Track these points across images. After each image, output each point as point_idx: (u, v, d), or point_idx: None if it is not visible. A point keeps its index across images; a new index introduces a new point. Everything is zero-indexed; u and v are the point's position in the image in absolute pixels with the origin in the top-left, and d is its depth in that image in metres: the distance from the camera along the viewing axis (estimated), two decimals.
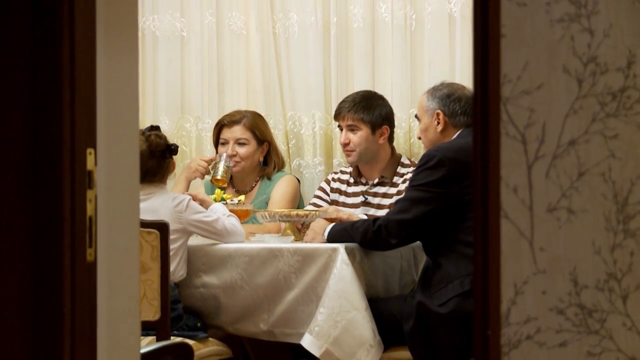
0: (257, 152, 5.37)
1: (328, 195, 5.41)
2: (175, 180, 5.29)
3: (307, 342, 4.51)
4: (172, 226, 4.46)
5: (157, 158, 4.57)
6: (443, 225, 4.49)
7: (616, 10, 2.16)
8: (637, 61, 2.16)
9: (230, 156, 5.28)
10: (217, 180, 5.18)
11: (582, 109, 2.16)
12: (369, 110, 5.17)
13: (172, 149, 4.61)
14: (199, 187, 5.31)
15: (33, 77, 2.18)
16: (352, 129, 5.18)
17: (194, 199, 4.73)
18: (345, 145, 5.20)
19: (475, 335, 2.20)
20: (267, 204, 5.33)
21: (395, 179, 5.27)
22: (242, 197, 5.16)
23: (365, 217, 4.89)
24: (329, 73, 5.70)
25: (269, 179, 5.43)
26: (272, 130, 5.54)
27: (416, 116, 4.85)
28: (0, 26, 2.19)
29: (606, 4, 2.16)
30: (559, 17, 2.16)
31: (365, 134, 5.18)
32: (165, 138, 4.62)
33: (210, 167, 5.21)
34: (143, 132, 4.58)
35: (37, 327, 2.19)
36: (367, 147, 5.19)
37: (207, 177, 5.38)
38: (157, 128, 4.68)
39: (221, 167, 5.20)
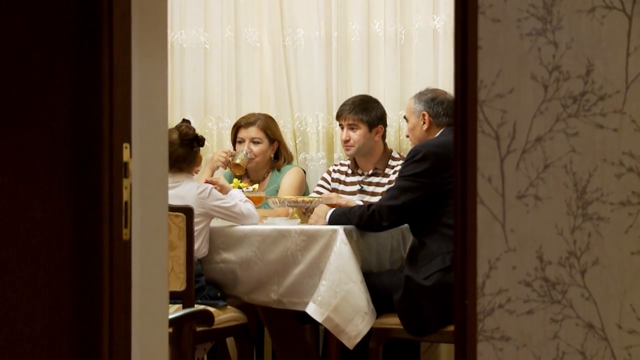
0: (268, 150, 5.38)
1: (329, 184, 5.40)
2: (201, 170, 5.29)
3: (311, 309, 4.51)
4: (197, 210, 4.46)
5: (186, 146, 4.56)
6: (427, 210, 4.48)
7: (577, 26, 2.15)
8: (595, 69, 2.15)
9: (247, 152, 5.31)
10: (237, 164, 5.20)
11: (548, 111, 2.16)
12: (366, 111, 5.17)
13: (200, 139, 4.61)
14: (219, 176, 5.31)
15: (77, 82, 2.17)
16: (352, 127, 5.17)
17: (215, 183, 4.74)
18: (346, 141, 5.20)
19: (455, 304, 2.19)
20: (277, 191, 5.33)
21: (387, 170, 5.27)
22: (256, 186, 5.17)
23: (361, 203, 4.88)
24: (331, 80, 5.69)
25: (279, 170, 5.43)
26: (281, 129, 5.53)
27: (405, 117, 4.85)
28: (47, 38, 2.19)
29: (568, 20, 2.15)
30: (528, 31, 2.15)
31: (364, 132, 5.17)
32: (194, 130, 4.63)
33: (230, 156, 5.23)
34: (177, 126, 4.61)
35: (80, 296, 2.19)
36: (365, 143, 5.19)
37: (226, 171, 5.39)
38: (187, 121, 4.69)
39: (240, 155, 5.22)
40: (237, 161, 5.21)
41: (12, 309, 2.16)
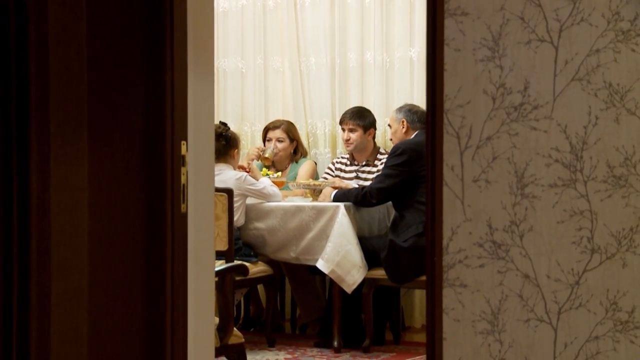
0: (289, 147, 5.38)
1: (333, 172, 5.40)
2: (241, 161, 5.31)
3: (320, 264, 4.52)
4: (235, 191, 4.47)
5: (224, 141, 4.61)
6: (406, 191, 4.49)
7: (518, 54, 2.13)
8: (530, 86, 2.13)
9: (274, 149, 5.33)
10: (266, 158, 5.25)
11: (495, 117, 2.14)
12: (362, 118, 5.16)
13: (226, 137, 4.64)
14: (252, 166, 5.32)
15: (147, 94, 2.16)
16: (351, 130, 5.17)
17: (250, 171, 4.79)
18: (347, 141, 5.20)
19: (426, 260, 2.19)
20: (295, 177, 5.34)
21: (376, 162, 5.26)
22: (279, 173, 5.21)
23: (357, 186, 4.88)
24: (334, 95, 5.68)
25: (297, 162, 5.44)
26: (298, 132, 5.54)
27: (389, 125, 4.86)
28: (127, 60, 2.18)
29: (511, 50, 2.13)
30: (481, 58, 2.14)
31: (360, 134, 5.17)
32: (222, 128, 4.67)
33: (261, 152, 5.25)
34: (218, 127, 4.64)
35: (149, 253, 2.19)
36: (361, 142, 5.19)
37: (259, 162, 5.41)
38: (224, 124, 4.72)
39: (269, 151, 5.24)
40: (267, 155, 5.24)
41: (102, 262, 2.16)
